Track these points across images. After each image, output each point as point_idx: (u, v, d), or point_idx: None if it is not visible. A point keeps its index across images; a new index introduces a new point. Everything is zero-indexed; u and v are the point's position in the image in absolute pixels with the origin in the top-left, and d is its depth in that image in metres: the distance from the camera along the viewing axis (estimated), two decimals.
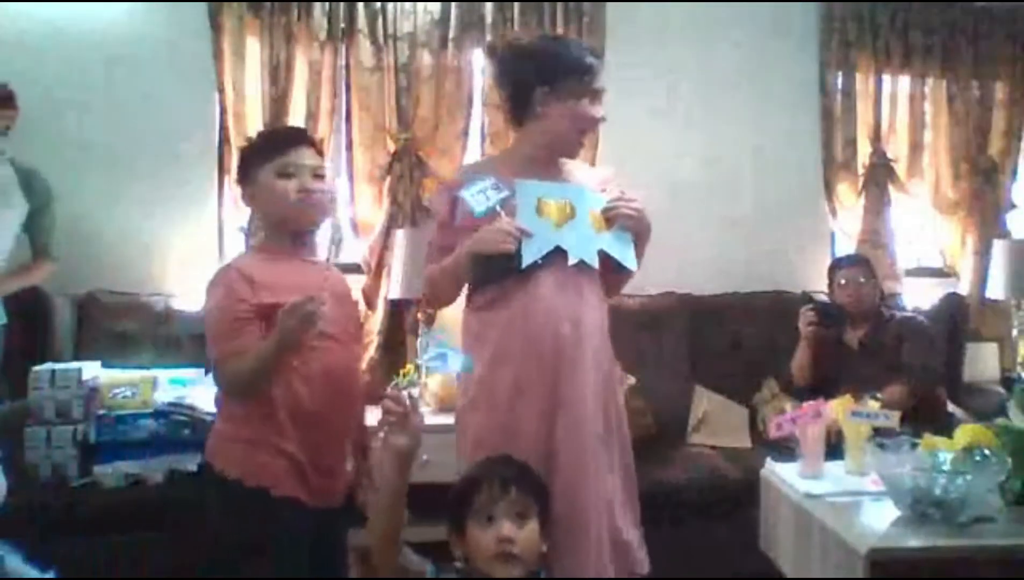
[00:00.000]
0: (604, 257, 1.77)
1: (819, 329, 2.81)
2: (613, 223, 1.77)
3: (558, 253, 1.72)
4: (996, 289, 3.43)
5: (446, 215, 1.80)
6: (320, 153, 1.77)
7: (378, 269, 3.17)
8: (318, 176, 1.72)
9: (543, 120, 1.76)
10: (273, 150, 1.70)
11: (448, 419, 2.73)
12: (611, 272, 1.82)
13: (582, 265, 1.74)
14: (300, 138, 1.76)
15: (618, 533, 1.75)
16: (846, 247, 3.55)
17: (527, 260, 1.68)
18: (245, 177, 1.74)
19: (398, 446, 1.46)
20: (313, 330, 1.56)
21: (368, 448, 1.90)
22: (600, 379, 1.76)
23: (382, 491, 1.53)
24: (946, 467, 1.73)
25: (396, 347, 3.19)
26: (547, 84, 1.74)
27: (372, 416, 1.97)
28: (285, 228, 1.72)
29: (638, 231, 1.81)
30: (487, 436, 1.73)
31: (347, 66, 3.18)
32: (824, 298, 3.06)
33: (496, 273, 1.71)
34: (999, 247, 3.43)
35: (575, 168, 1.91)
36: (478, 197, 1.69)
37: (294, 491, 1.61)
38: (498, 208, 1.69)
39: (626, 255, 1.79)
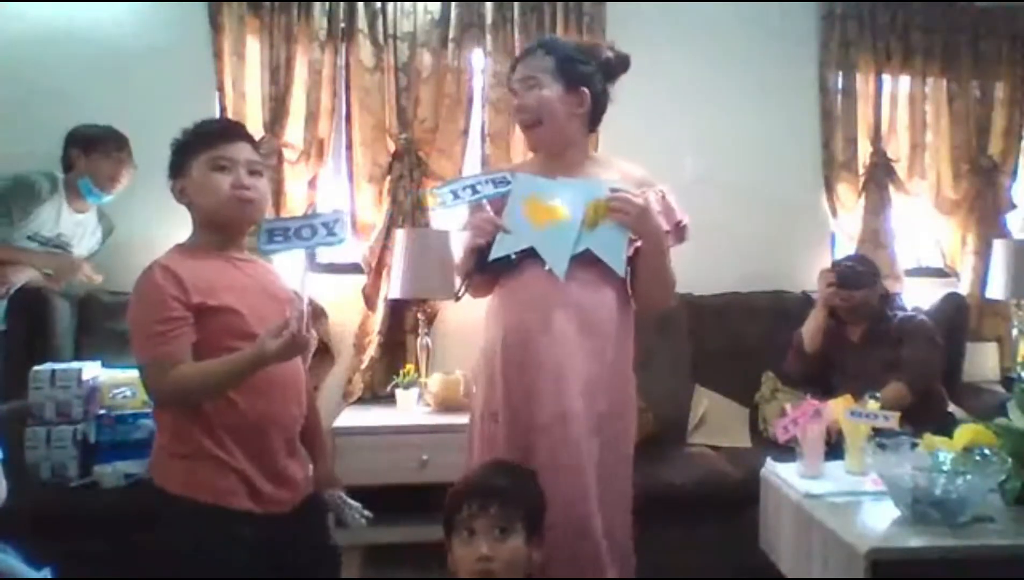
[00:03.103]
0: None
1: (838, 291, 2.82)
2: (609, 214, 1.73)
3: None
4: (996, 289, 3.42)
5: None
6: (256, 149, 1.70)
7: (378, 269, 3.17)
8: (254, 172, 1.64)
9: None
10: (207, 142, 1.63)
11: (448, 419, 2.75)
12: (634, 277, 1.79)
13: (590, 261, 1.71)
14: (235, 132, 1.69)
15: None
16: (846, 247, 3.55)
17: (494, 254, 1.70)
18: (176, 170, 1.66)
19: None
20: (303, 354, 1.53)
21: (323, 450, 1.87)
22: (584, 379, 1.69)
23: None
24: (946, 467, 1.73)
25: (396, 347, 3.19)
26: None
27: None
28: (217, 224, 1.64)
29: (640, 231, 1.72)
30: (477, 424, 1.79)
31: (347, 66, 3.17)
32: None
33: (474, 265, 1.76)
34: (999, 247, 3.43)
35: (616, 163, 1.88)
36: (455, 192, 1.73)
37: (241, 503, 1.54)
38: (483, 203, 1.73)
39: (613, 255, 1.72)
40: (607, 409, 1.74)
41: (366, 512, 1.82)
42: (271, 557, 1.58)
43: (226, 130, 1.70)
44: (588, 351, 1.71)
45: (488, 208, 1.74)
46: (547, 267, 1.69)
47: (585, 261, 1.70)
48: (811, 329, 2.90)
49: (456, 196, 1.73)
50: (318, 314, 3.05)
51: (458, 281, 1.84)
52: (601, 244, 1.71)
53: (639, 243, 1.75)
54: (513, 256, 1.70)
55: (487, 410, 1.75)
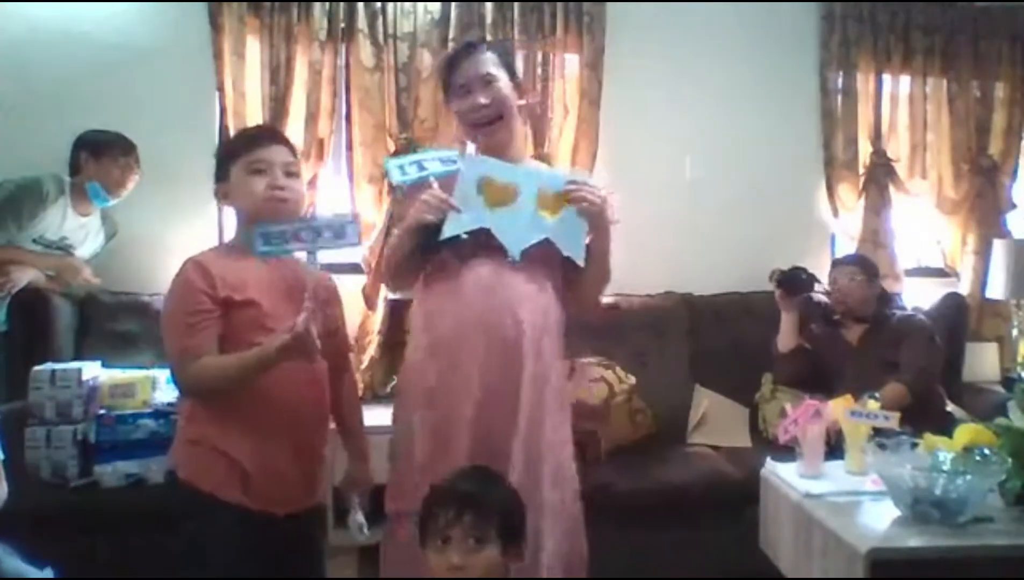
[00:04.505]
0: (557, 250, 1.71)
1: (785, 293, 2.89)
2: (570, 204, 1.68)
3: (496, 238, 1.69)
4: (996, 289, 3.42)
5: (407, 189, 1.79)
6: (293, 152, 1.75)
7: (378, 269, 3.17)
8: (290, 173, 1.69)
9: (459, 128, 1.84)
10: (244, 147, 1.69)
11: None
12: (572, 269, 1.75)
13: (536, 253, 1.69)
14: (271, 135, 1.76)
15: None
16: (846, 247, 3.55)
17: (445, 233, 1.65)
18: (220, 176, 1.73)
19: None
20: (310, 358, 1.53)
21: (358, 451, 1.88)
22: (530, 374, 1.66)
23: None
24: (946, 467, 1.73)
25: (396, 347, 3.19)
26: (445, 98, 1.86)
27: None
28: (255, 224, 1.64)
29: (596, 224, 1.70)
30: (412, 423, 1.71)
31: (347, 66, 3.18)
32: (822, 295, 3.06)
33: (420, 245, 1.70)
34: (999, 247, 3.43)
35: (536, 164, 1.90)
36: (402, 167, 1.70)
37: (235, 496, 1.56)
38: (431, 180, 1.68)
39: (573, 245, 1.70)
40: (547, 401, 1.71)
41: (366, 531, 1.83)
42: (259, 556, 1.58)
43: (263, 135, 1.77)
44: (535, 351, 1.69)
45: (435, 186, 1.68)
46: (502, 248, 1.66)
47: (528, 257, 1.69)
48: (781, 330, 2.95)
49: (403, 171, 1.71)
50: None
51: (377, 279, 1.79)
52: (561, 234, 1.69)
53: (587, 239, 1.73)
54: (464, 235, 1.66)
55: (426, 410, 1.69)
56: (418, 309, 1.79)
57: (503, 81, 1.76)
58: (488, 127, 1.76)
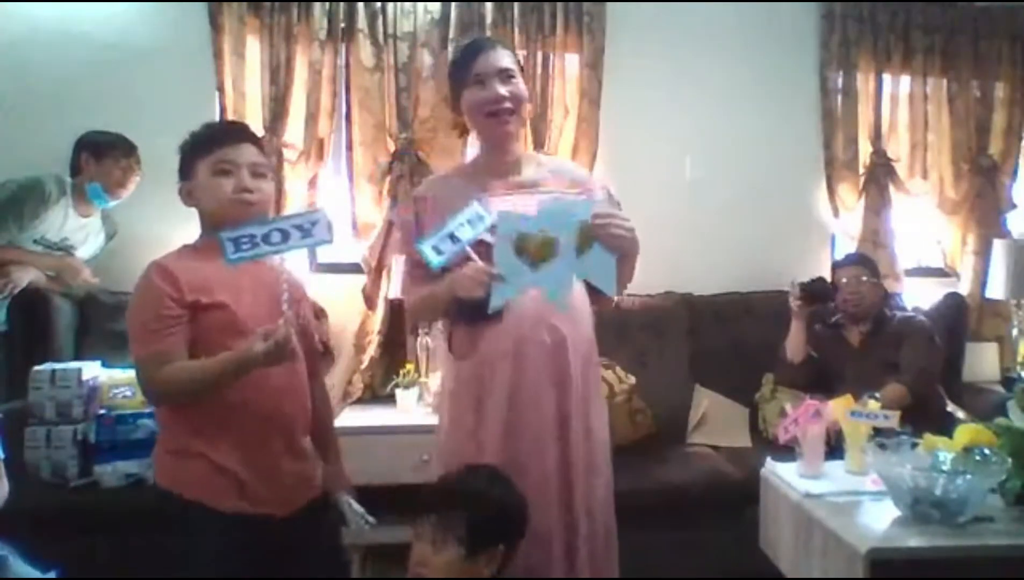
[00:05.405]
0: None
1: (805, 304, 2.86)
2: (597, 237, 1.66)
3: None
4: (996, 289, 3.42)
5: (417, 230, 1.78)
6: (262, 150, 1.70)
7: (378, 269, 3.17)
8: (258, 174, 1.64)
9: (468, 120, 1.83)
10: (211, 145, 1.63)
11: None
12: (595, 292, 1.80)
13: None
14: (239, 134, 1.69)
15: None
16: (846, 247, 3.55)
17: (495, 303, 1.63)
18: (183, 173, 1.67)
19: None
20: (285, 362, 1.50)
21: (332, 450, 1.86)
22: (580, 394, 1.74)
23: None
24: (946, 467, 1.73)
25: (396, 347, 3.19)
26: (453, 90, 1.85)
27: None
28: (220, 227, 1.57)
29: (625, 252, 1.72)
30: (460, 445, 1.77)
31: (347, 66, 3.18)
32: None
33: (467, 316, 1.71)
34: (999, 247, 3.43)
35: (548, 161, 1.91)
36: (436, 248, 1.65)
37: (227, 501, 1.54)
38: (466, 249, 1.65)
39: (607, 280, 1.70)
40: (586, 404, 1.78)
41: (370, 518, 1.81)
42: (262, 558, 1.56)
43: (230, 133, 1.71)
44: (577, 355, 1.75)
45: (475, 258, 1.66)
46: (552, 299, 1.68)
47: None
48: (791, 341, 2.93)
49: (439, 252, 1.66)
50: (318, 314, 3.05)
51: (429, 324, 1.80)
52: (593, 270, 1.68)
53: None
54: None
55: (478, 429, 1.74)
56: (461, 369, 1.79)
57: (520, 78, 1.79)
58: (501, 118, 1.77)
